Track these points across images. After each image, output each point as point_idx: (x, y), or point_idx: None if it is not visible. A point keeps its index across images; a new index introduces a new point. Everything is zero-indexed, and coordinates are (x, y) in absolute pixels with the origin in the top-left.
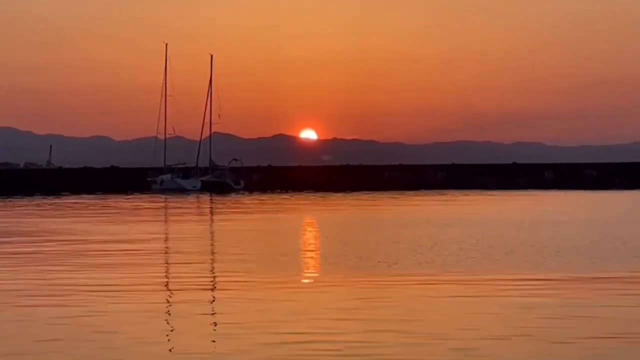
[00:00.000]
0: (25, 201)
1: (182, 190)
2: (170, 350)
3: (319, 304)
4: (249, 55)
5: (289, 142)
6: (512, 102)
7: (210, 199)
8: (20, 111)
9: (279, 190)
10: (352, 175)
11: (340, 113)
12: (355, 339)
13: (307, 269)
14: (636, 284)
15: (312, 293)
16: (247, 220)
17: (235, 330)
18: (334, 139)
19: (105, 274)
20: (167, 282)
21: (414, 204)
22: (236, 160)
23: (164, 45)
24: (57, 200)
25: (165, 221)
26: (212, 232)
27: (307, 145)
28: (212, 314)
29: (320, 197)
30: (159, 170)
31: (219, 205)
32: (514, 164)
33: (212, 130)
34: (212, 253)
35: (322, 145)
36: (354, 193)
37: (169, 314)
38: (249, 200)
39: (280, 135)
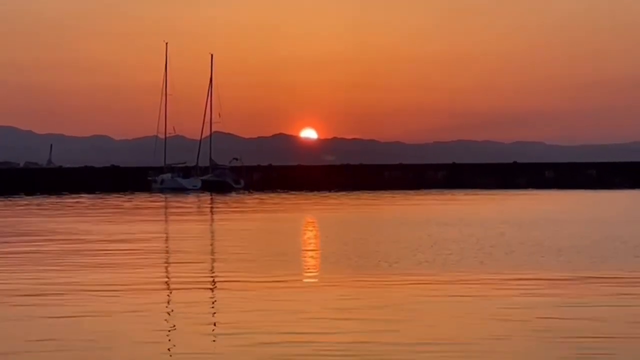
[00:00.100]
0: (25, 200)
1: (182, 190)
2: (169, 350)
3: (319, 303)
4: (249, 55)
5: (289, 142)
6: (513, 101)
7: (211, 199)
8: (20, 110)
9: (279, 190)
10: (352, 175)
11: (340, 112)
12: (355, 339)
13: (308, 268)
14: (637, 283)
15: (312, 292)
16: (248, 219)
17: (235, 330)
18: (334, 138)
19: (105, 274)
20: (167, 281)
21: (414, 203)
22: (236, 159)
23: (164, 44)
24: (57, 200)
25: (166, 220)
26: (212, 232)
27: (307, 145)
28: (212, 313)
29: (321, 196)
30: (159, 170)
31: (220, 205)
32: (514, 163)
33: (213, 129)
34: (212, 252)
35: (322, 145)
36: (354, 192)
37: (169, 314)
38: (249, 199)
39: (281, 134)
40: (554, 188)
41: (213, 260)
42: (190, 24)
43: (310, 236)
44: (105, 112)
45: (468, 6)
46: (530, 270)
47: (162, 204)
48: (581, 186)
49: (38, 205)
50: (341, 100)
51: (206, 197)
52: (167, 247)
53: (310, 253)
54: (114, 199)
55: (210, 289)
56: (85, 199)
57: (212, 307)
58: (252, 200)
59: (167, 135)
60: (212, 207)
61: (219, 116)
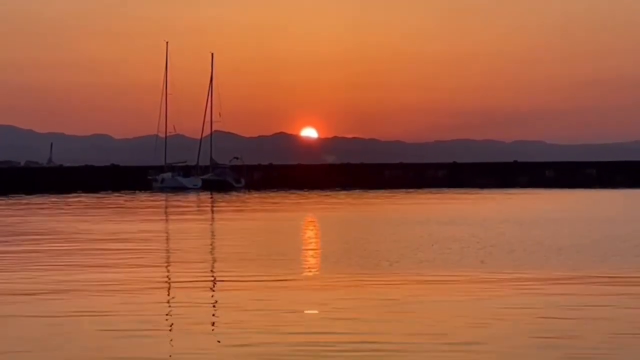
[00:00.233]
0: (26, 200)
1: (182, 189)
2: (170, 349)
3: (320, 303)
4: (249, 54)
5: (289, 141)
6: (513, 100)
7: (211, 198)
8: (21, 110)
9: (279, 189)
10: (353, 174)
11: (340, 111)
12: (356, 338)
13: (308, 267)
14: (637, 283)
15: (312, 292)
16: (248, 218)
17: (236, 329)
18: (335, 137)
19: (105, 273)
20: (167, 281)
21: (414, 202)
22: (237, 158)
23: (165, 43)
24: (57, 199)
25: (166, 220)
26: (212, 231)
27: (307, 144)
28: (213, 313)
29: (321, 195)
30: (160, 169)
31: (220, 204)
32: (515, 162)
33: (213, 128)
34: (213, 252)
35: (322, 144)
36: (355, 191)
37: (169, 314)
38: (249, 198)
39: (281, 133)
40: (554, 187)
41: (213, 260)
42: (190, 23)
43: (310, 235)
44: (106, 111)
45: (468, 6)
46: (530, 270)
47: (163, 203)
48: (581, 185)
49: (38, 204)
50: (341, 100)
51: (207, 196)
52: (167, 246)
53: (310, 252)
54: (115, 198)
55: (210, 288)
56: (85, 198)
57: (212, 307)
58: (252, 199)
59: (168, 134)
60: (212, 206)
61: (220, 115)
